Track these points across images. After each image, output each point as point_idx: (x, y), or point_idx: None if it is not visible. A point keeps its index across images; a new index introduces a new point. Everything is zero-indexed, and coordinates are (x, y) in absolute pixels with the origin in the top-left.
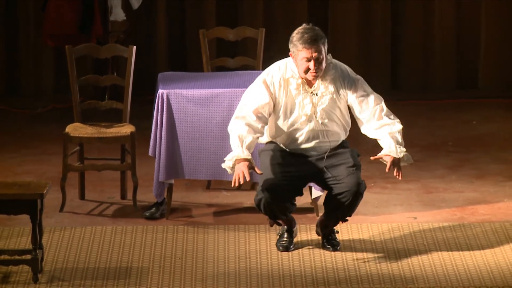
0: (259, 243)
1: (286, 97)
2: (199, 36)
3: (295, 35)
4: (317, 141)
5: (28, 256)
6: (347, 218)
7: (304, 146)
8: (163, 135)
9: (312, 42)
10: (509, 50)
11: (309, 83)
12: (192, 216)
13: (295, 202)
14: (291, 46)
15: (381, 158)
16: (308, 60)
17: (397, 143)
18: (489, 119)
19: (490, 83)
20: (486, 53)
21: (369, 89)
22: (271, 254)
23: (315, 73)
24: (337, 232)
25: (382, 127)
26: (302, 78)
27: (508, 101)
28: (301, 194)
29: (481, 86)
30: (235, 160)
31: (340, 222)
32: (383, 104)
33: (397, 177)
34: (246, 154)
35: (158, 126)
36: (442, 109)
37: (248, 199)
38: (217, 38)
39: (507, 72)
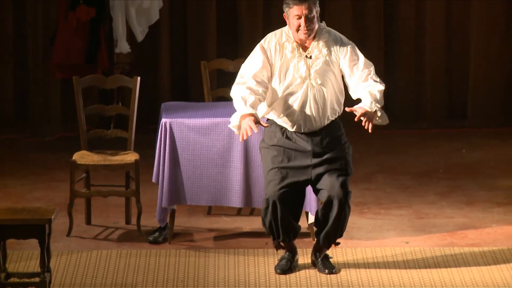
0: (258, 266)
1: (281, 61)
2: (201, 67)
3: None
4: (311, 107)
5: (37, 279)
6: (339, 241)
7: (299, 112)
8: (166, 163)
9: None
10: (495, 83)
11: (304, 47)
12: (194, 241)
13: (299, 224)
14: (284, 7)
15: (355, 110)
16: (299, 17)
17: (374, 99)
18: (478, 148)
19: (478, 113)
20: (474, 86)
21: (361, 54)
22: (269, 277)
23: (306, 31)
24: (331, 258)
25: (365, 88)
26: (297, 42)
27: (495, 130)
28: (303, 197)
29: (470, 116)
30: (240, 116)
31: (333, 246)
32: (372, 68)
33: (365, 127)
34: (250, 110)
35: (161, 154)
36: (433, 138)
37: (247, 224)
38: (218, 69)
39: (494, 103)
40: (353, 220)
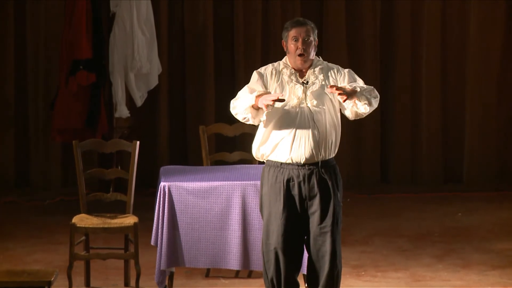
0: None
1: (277, 83)
2: (199, 131)
3: (288, 21)
4: (309, 131)
5: None
6: None
7: (296, 136)
8: (164, 226)
9: (301, 23)
10: (490, 148)
11: (301, 74)
12: None
13: (299, 282)
14: (283, 33)
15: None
16: (297, 39)
17: (360, 86)
18: (473, 212)
19: (473, 178)
20: (470, 151)
21: (359, 78)
22: None
23: (303, 53)
24: None
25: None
26: (295, 69)
27: (490, 195)
28: (302, 249)
29: (465, 180)
30: (255, 97)
31: None
32: (371, 87)
33: (334, 92)
34: (264, 90)
35: (160, 217)
36: (429, 202)
37: (245, 286)
38: (216, 133)
39: (488, 169)
40: (350, 283)
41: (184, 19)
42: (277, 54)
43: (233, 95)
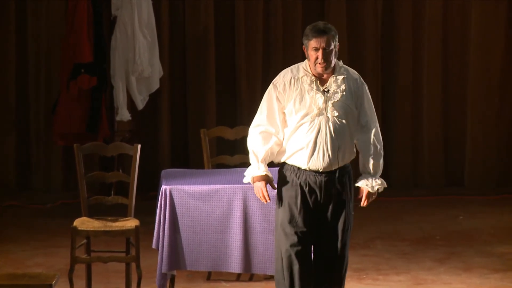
0: None
1: (296, 93)
2: (200, 135)
3: (309, 27)
4: (327, 141)
5: None
6: None
7: (314, 145)
8: (166, 229)
9: (322, 32)
10: (491, 152)
11: (322, 82)
12: None
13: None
14: (304, 39)
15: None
16: (317, 49)
17: (381, 182)
18: (474, 215)
19: (475, 181)
20: (471, 155)
21: (371, 105)
22: None
23: (323, 63)
24: None
25: (370, 155)
26: (315, 76)
27: (491, 198)
28: (310, 256)
29: (466, 184)
30: (252, 177)
31: None
32: (377, 125)
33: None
34: (262, 170)
35: (162, 220)
36: (430, 205)
37: None
38: (218, 137)
39: (490, 172)
40: (352, 286)
41: (185, 23)
42: (278, 56)
43: (234, 98)
